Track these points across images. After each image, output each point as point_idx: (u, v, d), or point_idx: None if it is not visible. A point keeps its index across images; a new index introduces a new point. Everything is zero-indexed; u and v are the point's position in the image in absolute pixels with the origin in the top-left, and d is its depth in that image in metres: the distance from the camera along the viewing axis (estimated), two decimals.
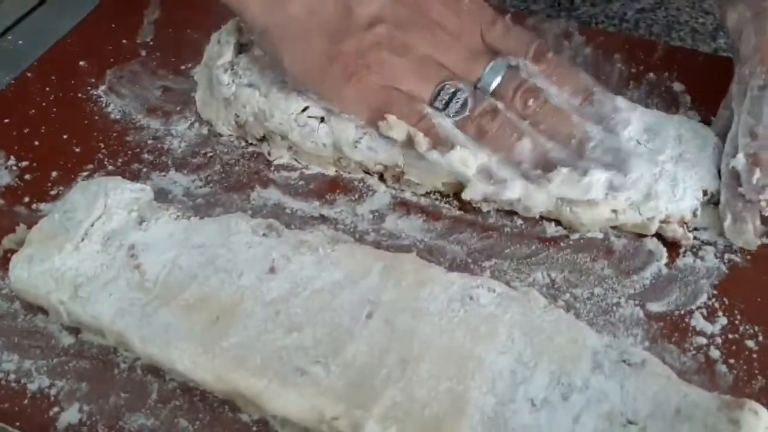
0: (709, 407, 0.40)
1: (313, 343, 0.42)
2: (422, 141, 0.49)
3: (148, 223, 0.48)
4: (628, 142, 0.52)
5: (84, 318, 0.44)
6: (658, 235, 0.51)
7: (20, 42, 0.66)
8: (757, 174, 0.48)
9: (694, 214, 0.50)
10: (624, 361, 0.42)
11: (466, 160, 0.49)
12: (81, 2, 0.69)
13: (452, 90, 0.50)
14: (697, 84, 0.59)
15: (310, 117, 0.53)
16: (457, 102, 0.50)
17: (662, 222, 0.50)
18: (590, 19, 0.67)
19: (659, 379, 0.41)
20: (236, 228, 0.48)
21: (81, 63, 0.63)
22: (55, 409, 0.43)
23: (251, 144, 0.57)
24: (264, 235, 0.48)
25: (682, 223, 0.50)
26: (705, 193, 0.51)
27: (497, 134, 0.49)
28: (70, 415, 0.43)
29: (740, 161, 0.49)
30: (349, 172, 0.56)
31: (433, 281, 0.45)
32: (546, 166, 0.49)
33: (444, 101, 0.50)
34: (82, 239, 0.47)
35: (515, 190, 0.50)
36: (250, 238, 0.47)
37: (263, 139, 0.57)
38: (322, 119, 0.53)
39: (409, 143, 0.50)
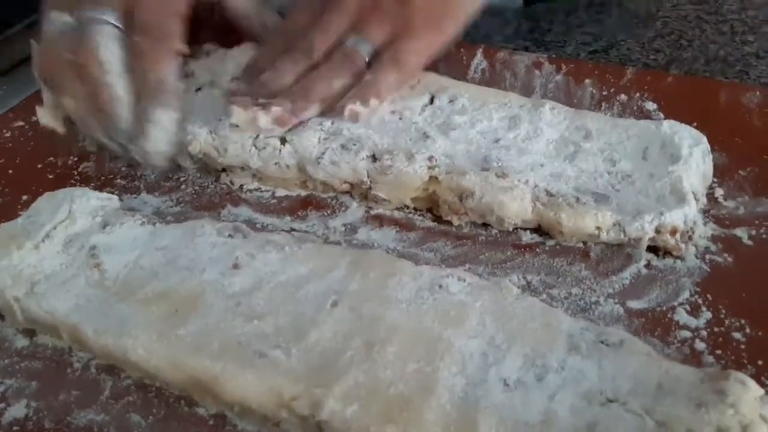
0: (693, 381, 0.37)
1: (274, 331, 0.41)
2: None
3: (112, 227, 0.47)
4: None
5: (39, 314, 0.43)
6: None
7: (5, 87, 0.68)
8: None
9: (687, 223, 0.48)
10: (602, 342, 0.40)
11: None
12: None
13: None
14: (668, 103, 0.59)
15: (269, 137, 0.53)
16: None
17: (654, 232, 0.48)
18: None
19: (639, 357, 0.39)
20: (201, 231, 0.47)
21: None
22: (1, 405, 0.41)
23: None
24: (230, 236, 0.47)
25: (675, 233, 0.48)
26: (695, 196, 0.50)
27: None
28: (16, 410, 0.40)
29: None
30: (320, 193, 0.55)
31: (402, 272, 0.44)
32: None
33: None
34: (43, 240, 0.46)
35: None
36: (215, 239, 0.46)
37: (224, 170, 0.56)
38: (284, 140, 0.53)
39: None
